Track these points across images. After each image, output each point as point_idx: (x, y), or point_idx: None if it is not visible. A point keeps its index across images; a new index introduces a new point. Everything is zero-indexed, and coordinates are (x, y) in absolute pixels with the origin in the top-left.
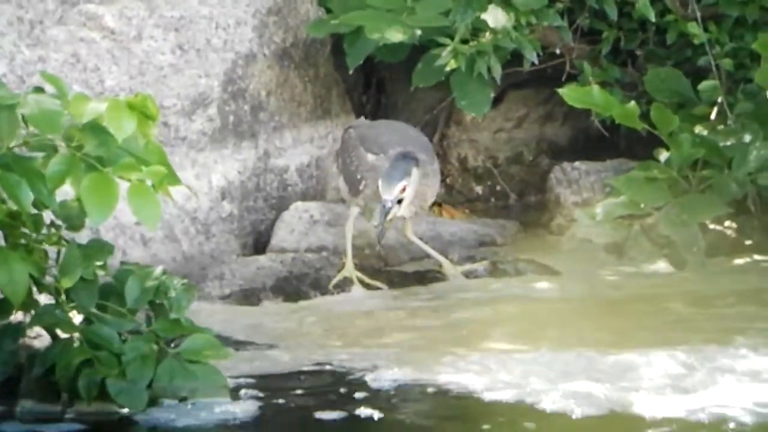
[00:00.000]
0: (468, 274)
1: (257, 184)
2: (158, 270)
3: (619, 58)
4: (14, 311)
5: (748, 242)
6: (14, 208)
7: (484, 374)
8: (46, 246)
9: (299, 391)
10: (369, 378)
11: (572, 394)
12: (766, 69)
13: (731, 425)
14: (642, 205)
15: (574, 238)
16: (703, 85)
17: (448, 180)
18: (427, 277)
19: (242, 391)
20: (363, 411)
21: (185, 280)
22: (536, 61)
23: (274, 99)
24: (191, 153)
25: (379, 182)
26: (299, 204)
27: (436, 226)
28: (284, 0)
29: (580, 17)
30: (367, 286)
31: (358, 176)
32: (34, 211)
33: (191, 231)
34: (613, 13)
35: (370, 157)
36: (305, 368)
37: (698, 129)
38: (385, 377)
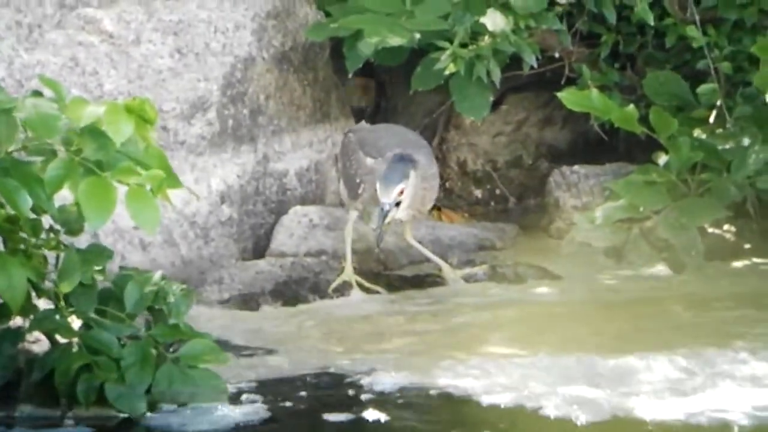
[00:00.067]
0: (467, 278)
1: (256, 188)
2: (157, 275)
3: (618, 61)
4: (13, 316)
5: (747, 246)
6: (13, 212)
7: (484, 378)
8: (44, 251)
9: (299, 396)
10: (369, 382)
11: (572, 398)
12: (764, 72)
13: (731, 429)
14: (641, 209)
15: (574, 241)
16: (702, 88)
17: (447, 184)
18: (427, 281)
19: (243, 396)
20: (363, 415)
21: (184, 286)
22: (535, 65)
23: (273, 103)
24: (190, 157)
25: (377, 185)
26: (298, 208)
27: (435, 230)
28: (283, 4)
29: (579, 21)
30: (367, 290)
31: (357, 180)
32: (32, 215)
33: (190, 235)
34: (611, 17)
35: (369, 160)
36: (305, 373)
37: (697, 132)
38: (384, 382)
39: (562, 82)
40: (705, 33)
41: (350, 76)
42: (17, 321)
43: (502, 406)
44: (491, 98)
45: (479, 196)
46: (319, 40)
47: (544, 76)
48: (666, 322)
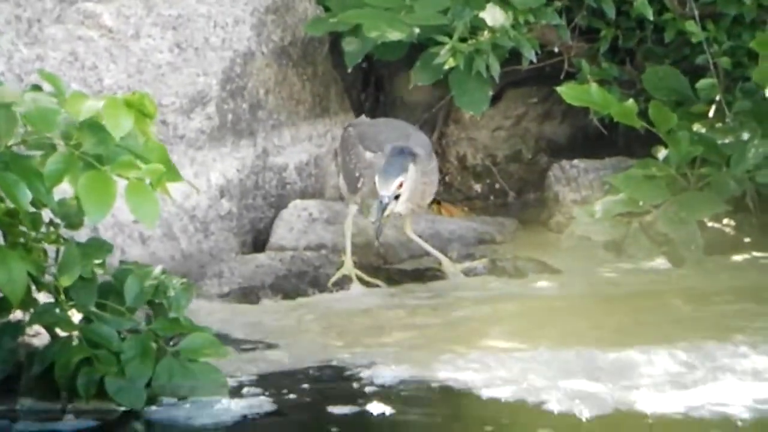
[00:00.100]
0: (467, 272)
1: (256, 183)
2: (157, 269)
3: (617, 56)
4: (13, 310)
5: (746, 240)
6: (12, 206)
7: (484, 372)
8: (44, 244)
9: (300, 390)
10: (369, 375)
11: (572, 392)
12: (763, 67)
13: (732, 422)
14: (641, 203)
15: (573, 235)
16: (701, 83)
17: (447, 178)
18: (427, 274)
19: (243, 390)
20: (364, 408)
21: (184, 280)
22: (535, 60)
23: (273, 97)
24: (190, 151)
25: (376, 178)
26: (298, 202)
27: (435, 224)
28: None
29: (579, 16)
30: (367, 284)
31: (357, 174)
32: (32, 209)
33: (190, 229)
34: (611, 12)
35: (368, 154)
36: (305, 366)
37: (696, 127)
38: (385, 375)
39: (562, 77)
40: (704, 28)
41: (349, 70)
42: (17, 314)
43: (503, 400)
44: (490, 93)
45: (479, 190)
46: (319, 35)
47: (543, 70)
48: (666, 315)
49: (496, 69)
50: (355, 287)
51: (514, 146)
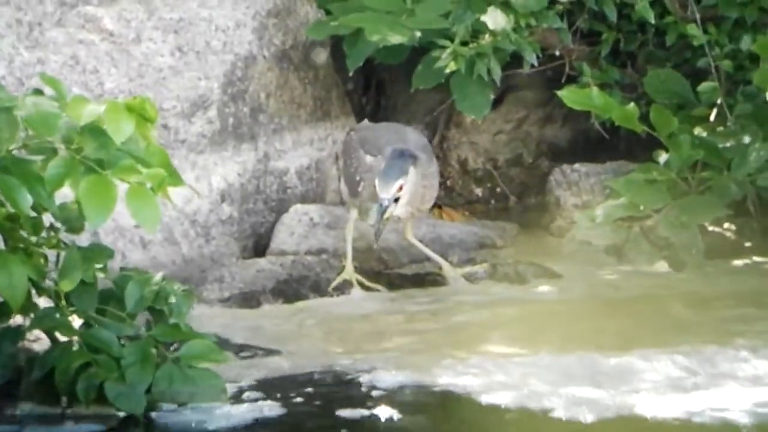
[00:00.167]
0: (468, 277)
1: (257, 187)
2: (158, 276)
3: (618, 59)
4: (13, 314)
5: (747, 244)
6: (13, 211)
7: (485, 377)
8: (45, 249)
9: (300, 395)
10: (369, 381)
11: (573, 397)
12: (765, 70)
13: (732, 427)
14: (641, 207)
15: (574, 240)
16: (703, 86)
17: (448, 182)
18: (427, 279)
19: (244, 395)
20: (364, 413)
21: (185, 286)
22: (536, 63)
23: (274, 101)
24: (191, 155)
25: (376, 181)
26: (299, 206)
27: (436, 229)
28: (284, 2)
29: (580, 19)
30: (367, 289)
31: (357, 178)
32: (33, 214)
33: (191, 234)
34: (612, 15)
35: (369, 158)
36: (306, 372)
37: (698, 131)
38: (385, 380)
39: (563, 81)
40: (705, 31)
41: (351, 74)
42: (18, 319)
43: (504, 406)
44: (492, 96)
45: (480, 194)
46: (320, 39)
47: (544, 74)
48: (666, 320)
49: (497, 73)
50: (356, 292)
51: (515, 150)
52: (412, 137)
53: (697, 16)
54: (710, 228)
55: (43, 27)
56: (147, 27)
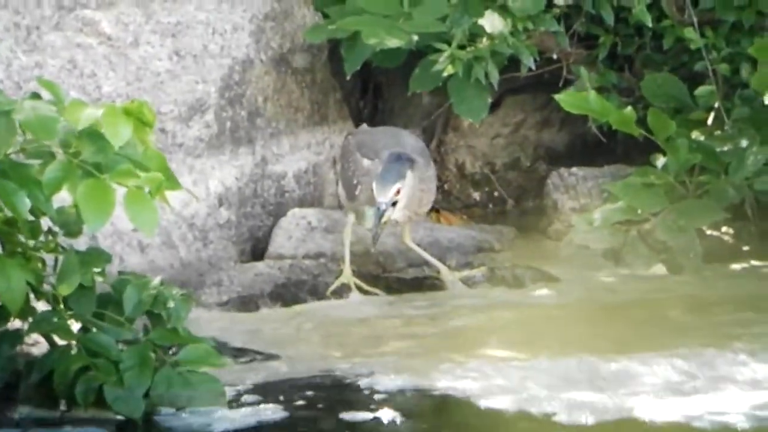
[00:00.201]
0: (466, 281)
1: (255, 191)
2: (156, 280)
3: (615, 63)
4: (12, 318)
5: (745, 248)
6: (11, 215)
7: (483, 381)
8: (43, 253)
9: (298, 399)
10: (368, 385)
11: (572, 401)
12: (762, 74)
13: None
14: (639, 211)
15: (572, 243)
16: (700, 90)
17: (445, 186)
18: (425, 283)
19: (242, 399)
20: (363, 418)
21: (183, 291)
22: (533, 67)
23: (272, 105)
24: (188, 159)
25: (374, 184)
26: (297, 210)
27: (433, 232)
28: (281, 5)
29: (577, 22)
30: (365, 293)
31: (355, 181)
32: (31, 218)
33: (189, 237)
34: (609, 19)
35: (366, 162)
36: (304, 376)
37: (695, 134)
38: (384, 384)
39: (560, 84)
40: (703, 35)
41: (348, 77)
42: (16, 323)
43: (502, 410)
44: (489, 100)
45: (477, 198)
46: (317, 42)
47: (542, 77)
48: (665, 324)
49: (494, 76)
50: (354, 296)
51: (512, 154)
52: (410, 141)
53: (695, 19)
54: (708, 232)
55: (41, 31)
56: (145, 31)
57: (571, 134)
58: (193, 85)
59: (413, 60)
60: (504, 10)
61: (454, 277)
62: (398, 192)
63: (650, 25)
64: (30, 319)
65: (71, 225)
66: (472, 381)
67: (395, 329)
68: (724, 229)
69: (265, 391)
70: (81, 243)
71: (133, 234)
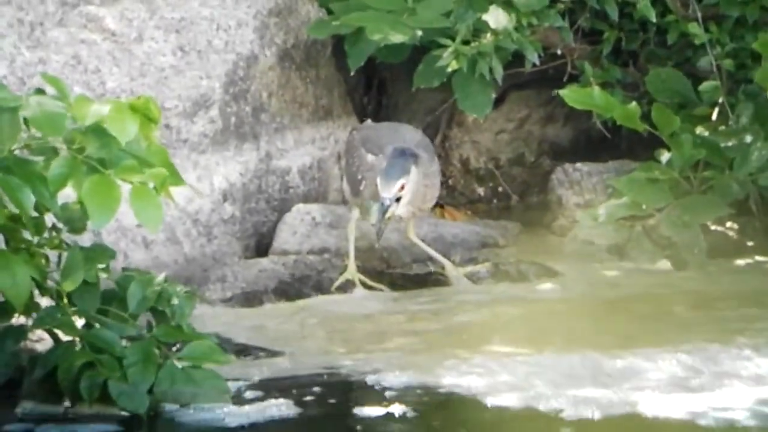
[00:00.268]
0: (470, 276)
1: (259, 186)
2: (160, 276)
3: (620, 58)
4: (16, 314)
5: (749, 243)
6: (16, 211)
7: (488, 377)
8: (47, 249)
9: (303, 395)
10: (373, 381)
11: (577, 396)
12: (766, 69)
13: (737, 426)
14: (644, 206)
15: (576, 239)
16: (704, 85)
17: (450, 181)
18: (430, 279)
19: (246, 395)
20: (368, 414)
21: (188, 288)
22: (537, 62)
23: (276, 100)
24: (193, 155)
25: (378, 180)
26: (301, 206)
27: (438, 228)
28: (285, 1)
29: (581, 18)
30: (370, 288)
31: (359, 177)
32: (35, 214)
33: (193, 233)
34: (614, 14)
35: (370, 157)
36: (308, 372)
37: (699, 130)
38: (389, 380)
39: (565, 80)
40: (707, 30)
41: (352, 73)
42: (20, 319)
43: (508, 406)
44: (493, 95)
45: (482, 193)
46: (321, 38)
47: (546, 73)
48: (669, 319)
49: (499, 72)
50: (358, 291)
51: (517, 149)
52: (414, 136)
53: (699, 14)
54: (712, 227)
55: (45, 27)
56: (149, 26)
57: (575, 129)
58: (198, 81)
59: (417, 55)
60: (508, 6)
61: (458, 273)
62: (402, 187)
63: (654, 20)
64: (34, 315)
65: (76, 221)
66: (477, 377)
67: (399, 325)
68: (728, 224)
69: (269, 387)
70: (85, 239)
71: (137, 230)
